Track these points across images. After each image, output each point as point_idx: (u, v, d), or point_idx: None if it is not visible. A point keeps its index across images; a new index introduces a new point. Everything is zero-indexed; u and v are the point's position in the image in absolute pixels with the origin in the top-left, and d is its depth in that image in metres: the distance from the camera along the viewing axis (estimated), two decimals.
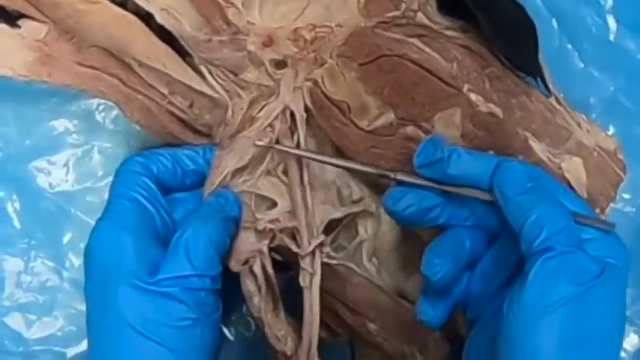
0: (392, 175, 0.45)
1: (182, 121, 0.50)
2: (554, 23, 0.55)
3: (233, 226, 0.46)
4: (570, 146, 0.49)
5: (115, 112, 0.53)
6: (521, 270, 0.40)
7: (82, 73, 0.49)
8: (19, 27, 0.49)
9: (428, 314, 0.45)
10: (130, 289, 0.41)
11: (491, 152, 0.47)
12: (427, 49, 0.47)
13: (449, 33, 0.47)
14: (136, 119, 0.50)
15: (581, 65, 0.56)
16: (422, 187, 0.45)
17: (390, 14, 0.46)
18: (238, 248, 0.47)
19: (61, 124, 0.53)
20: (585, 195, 0.49)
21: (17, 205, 0.52)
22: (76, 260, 0.53)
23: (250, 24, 0.46)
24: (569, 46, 0.56)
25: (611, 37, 0.56)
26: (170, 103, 0.49)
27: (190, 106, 0.49)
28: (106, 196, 0.48)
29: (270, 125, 0.47)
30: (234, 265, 0.47)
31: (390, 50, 0.47)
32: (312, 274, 0.47)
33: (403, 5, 0.46)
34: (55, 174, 0.53)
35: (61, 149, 0.53)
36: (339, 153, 0.48)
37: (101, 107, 0.53)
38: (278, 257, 0.49)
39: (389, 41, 0.47)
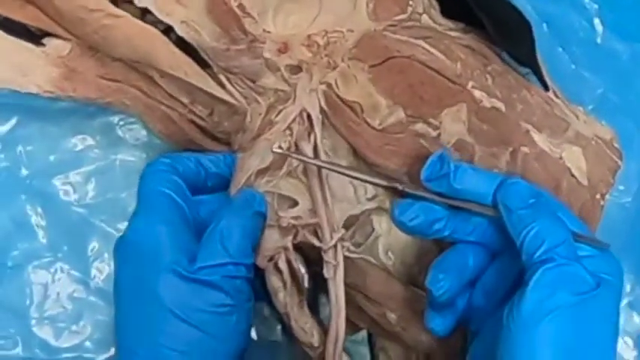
0: (400, 187, 0.48)
1: (202, 129, 0.52)
2: (545, 28, 0.59)
3: (262, 221, 0.48)
4: (569, 136, 0.52)
5: (135, 126, 0.55)
6: (520, 285, 0.42)
7: (105, 86, 0.52)
8: (44, 45, 0.52)
9: (436, 324, 0.47)
10: (172, 277, 0.43)
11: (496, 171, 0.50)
12: (433, 50, 0.50)
13: (452, 34, 0.51)
14: (158, 129, 0.52)
15: (572, 67, 0.59)
16: (428, 200, 0.47)
17: (398, 17, 0.49)
18: (264, 246, 0.49)
19: (83, 140, 0.55)
20: (586, 182, 0.52)
21: (43, 220, 0.54)
22: (102, 270, 0.54)
23: (266, 32, 0.49)
24: (560, 49, 0.59)
25: (598, 40, 0.59)
26: (191, 111, 0.52)
27: (210, 114, 0.52)
28: (128, 207, 0.50)
29: (289, 128, 0.49)
30: (261, 262, 0.49)
31: (398, 52, 0.49)
32: (335, 266, 0.49)
33: (409, 8, 0.49)
34: (79, 188, 0.55)
35: (83, 164, 0.55)
36: (354, 151, 0.50)
37: (122, 122, 0.55)
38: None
39: (397, 43, 0.49)
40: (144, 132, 0.55)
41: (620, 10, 0.59)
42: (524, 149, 0.51)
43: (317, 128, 0.49)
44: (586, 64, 0.59)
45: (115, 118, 0.55)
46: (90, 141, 0.55)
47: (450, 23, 0.51)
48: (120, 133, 0.55)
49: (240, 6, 0.49)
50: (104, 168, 0.55)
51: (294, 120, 0.49)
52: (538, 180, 0.50)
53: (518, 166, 0.50)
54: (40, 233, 0.54)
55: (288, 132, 0.49)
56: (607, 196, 0.53)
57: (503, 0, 0.51)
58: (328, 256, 0.49)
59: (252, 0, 0.49)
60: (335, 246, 0.49)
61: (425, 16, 0.50)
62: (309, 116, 0.50)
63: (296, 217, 0.49)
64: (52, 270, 0.54)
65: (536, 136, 0.51)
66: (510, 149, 0.50)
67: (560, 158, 0.51)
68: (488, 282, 0.47)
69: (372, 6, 0.49)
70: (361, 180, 0.49)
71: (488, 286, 0.47)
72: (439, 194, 0.47)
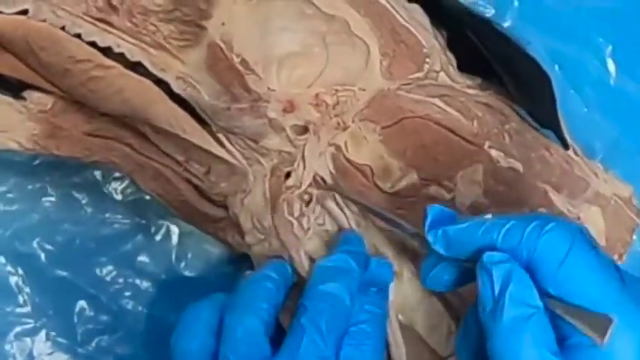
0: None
1: (198, 188, 0.49)
2: (557, 69, 0.56)
3: None
4: (588, 196, 0.50)
5: (122, 182, 0.52)
6: None
7: (92, 144, 0.48)
8: (24, 98, 0.48)
9: None
10: None
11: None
12: (448, 109, 0.47)
13: (470, 91, 0.48)
14: (150, 188, 0.49)
15: (585, 110, 0.56)
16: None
17: (413, 76, 0.46)
18: None
19: (67, 197, 0.51)
20: (604, 243, 0.50)
21: (24, 282, 0.51)
22: (86, 333, 0.51)
23: (271, 90, 0.45)
24: (572, 91, 0.56)
25: (611, 81, 0.57)
26: (186, 170, 0.48)
27: (207, 172, 0.48)
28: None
29: (307, 192, 0.46)
30: None
31: (412, 112, 0.47)
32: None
33: (426, 66, 0.46)
34: (61, 249, 0.51)
35: (68, 222, 0.51)
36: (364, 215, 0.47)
37: (109, 178, 0.52)
38: None
39: (411, 103, 0.47)
40: (133, 188, 0.51)
41: (634, 50, 0.56)
42: (541, 210, 0.48)
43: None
44: (599, 106, 0.56)
45: (98, 174, 0.52)
46: (75, 198, 0.51)
47: (467, 80, 0.48)
48: (105, 190, 0.52)
49: (243, 62, 0.45)
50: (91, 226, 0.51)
51: (310, 185, 0.46)
52: None
53: None
54: (22, 297, 0.51)
55: (306, 196, 0.46)
56: (624, 256, 0.51)
57: (522, 53, 0.48)
58: None
59: (255, 54, 0.45)
60: None
61: (442, 74, 0.47)
62: (323, 179, 0.47)
63: None
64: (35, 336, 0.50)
65: (555, 197, 0.49)
66: (527, 211, 0.48)
67: (579, 219, 0.49)
68: None
69: (386, 64, 0.46)
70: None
71: None
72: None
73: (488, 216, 0.39)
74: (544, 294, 0.37)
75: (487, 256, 0.37)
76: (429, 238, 0.40)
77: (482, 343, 0.38)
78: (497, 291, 0.36)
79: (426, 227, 0.40)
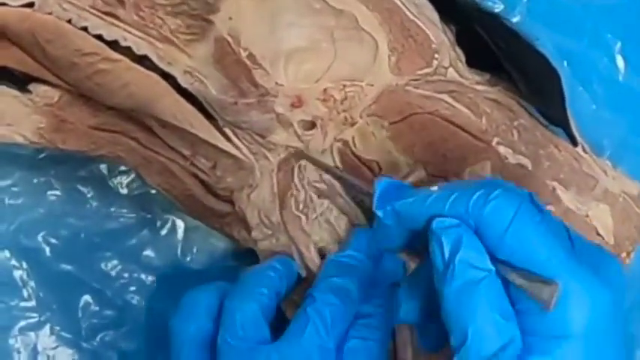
0: None
1: (204, 183, 0.48)
2: (565, 65, 0.56)
3: None
4: (597, 193, 0.49)
5: (127, 176, 0.51)
6: None
7: (98, 137, 0.47)
8: (30, 92, 0.47)
9: None
10: None
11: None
12: (457, 105, 0.47)
13: (479, 87, 0.47)
14: (156, 183, 0.48)
15: (593, 107, 0.56)
16: None
17: (422, 72, 0.46)
18: None
19: (72, 191, 0.51)
20: (612, 241, 0.50)
21: (29, 276, 0.50)
22: (91, 328, 0.51)
23: (279, 85, 0.45)
24: (580, 88, 0.56)
25: (620, 78, 0.56)
26: (192, 164, 0.48)
27: (213, 167, 0.47)
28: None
29: (315, 187, 0.46)
30: None
31: (420, 108, 0.46)
32: None
33: (435, 62, 0.46)
34: (67, 242, 0.51)
35: (73, 217, 0.51)
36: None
37: (115, 172, 0.51)
38: None
39: (420, 99, 0.46)
40: (139, 182, 0.51)
41: None
42: (550, 208, 0.48)
43: None
44: (607, 103, 0.56)
45: (104, 167, 0.51)
46: (80, 192, 0.51)
47: (476, 76, 0.47)
48: (111, 184, 0.51)
49: (251, 56, 0.44)
50: (97, 221, 0.51)
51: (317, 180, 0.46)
52: None
53: None
54: (27, 291, 0.50)
55: (314, 191, 0.46)
56: (632, 254, 0.51)
57: (531, 49, 0.47)
58: None
59: (263, 48, 0.45)
60: None
61: (451, 70, 0.46)
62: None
63: None
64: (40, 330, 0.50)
65: (563, 195, 0.48)
66: None
67: (587, 216, 0.49)
68: None
69: (394, 59, 0.45)
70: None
71: None
72: None
73: (434, 188, 0.38)
74: (494, 260, 0.36)
75: (437, 221, 0.37)
76: (379, 214, 0.40)
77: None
78: (447, 255, 0.36)
79: (375, 203, 0.40)
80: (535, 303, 0.35)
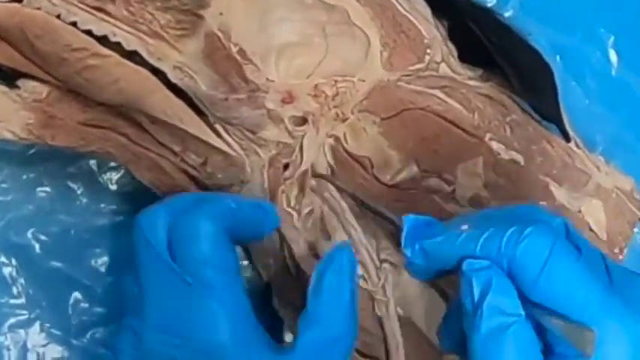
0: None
1: (194, 179, 0.48)
2: (558, 60, 0.55)
3: None
4: (590, 189, 0.49)
5: (117, 172, 0.51)
6: None
7: (87, 133, 0.47)
8: (19, 87, 0.47)
9: None
10: None
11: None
12: (449, 100, 0.47)
13: (471, 83, 0.47)
14: (147, 179, 0.48)
15: (586, 102, 0.56)
16: None
17: (414, 67, 0.45)
18: None
19: (62, 187, 0.50)
20: (605, 236, 0.50)
21: (18, 273, 0.50)
22: (81, 325, 0.50)
23: (269, 81, 0.45)
24: (573, 82, 0.56)
25: (613, 72, 0.56)
26: (183, 160, 0.47)
27: (204, 163, 0.47)
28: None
29: (305, 183, 0.46)
30: None
31: (412, 103, 0.46)
32: (387, 302, 0.46)
33: (427, 57, 0.45)
34: (57, 239, 0.50)
35: (63, 213, 0.50)
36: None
37: (105, 168, 0.51)
38: None
39: (411, 94, 0.46)
40: (128, 178, 0.50)
41: (636, 41, 0.56)
42: (542, 204, 0.48)
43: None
44: (600, 98, 0.56)
45: (94, 163, 0.51)
46: (69, 188, 0.50)
47: (468, 71, 0.47)
48: (101, 180, 0.51)
49: (241, 51, 0.44)
50: (86, 217, 0.50)
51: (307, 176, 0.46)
52: None
53: None
54: (16, 288, 0.50)
55: (304, 187, 0.46)
56: (625, 250, 0.51)
57: (523, 44, 0.47)
58: (379, 295, 0.46)
59: (254, 44, 0.44)
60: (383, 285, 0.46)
61: (443, 65, 0.46)
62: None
63: None
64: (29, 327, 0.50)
65: (556, 190, 0.48)
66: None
67: (580, 212, 0.49)
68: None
69: (386, 55, 0.45)
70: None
71: None
72: None
73: (465, 227, 0.37)
74: (528, 302, 0.35)
75: (467, 263, 0.36)
76: (407, 254, 0.38)
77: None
78: (476, 299, 0.35)
79: (402, 242, 0.39)
80: (573, 349, 0.34)
